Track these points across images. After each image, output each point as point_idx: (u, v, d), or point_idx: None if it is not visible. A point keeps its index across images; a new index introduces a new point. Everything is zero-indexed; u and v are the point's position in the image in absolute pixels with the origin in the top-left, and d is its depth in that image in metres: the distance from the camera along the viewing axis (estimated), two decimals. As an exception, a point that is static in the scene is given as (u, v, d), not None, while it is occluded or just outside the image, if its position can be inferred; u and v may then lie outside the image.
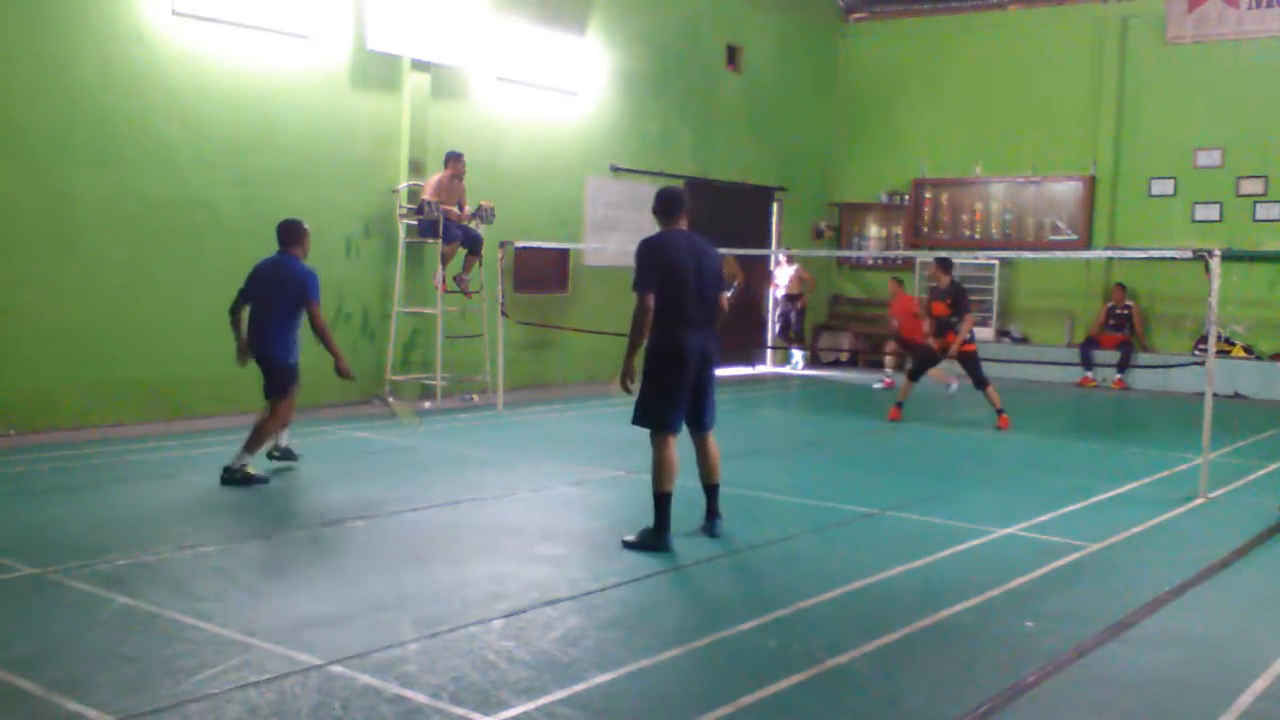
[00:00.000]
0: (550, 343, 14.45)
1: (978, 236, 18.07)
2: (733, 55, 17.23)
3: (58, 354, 9.89)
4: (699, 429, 6.73)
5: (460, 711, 4.08)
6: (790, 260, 17.43)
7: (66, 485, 7.89)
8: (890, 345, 16.30)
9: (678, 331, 6.44)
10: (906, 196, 18.63)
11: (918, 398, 12.80)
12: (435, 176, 12.20)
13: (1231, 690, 4.46)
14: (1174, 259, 13.31)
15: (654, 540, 6.41)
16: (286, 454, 8.73)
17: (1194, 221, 16.41)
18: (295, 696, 4.18)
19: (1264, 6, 15.82)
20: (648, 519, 6.52)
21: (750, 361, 17.87)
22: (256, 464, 8.09)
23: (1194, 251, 8.89)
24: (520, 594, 5.53)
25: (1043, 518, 7.49)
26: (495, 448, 9.76)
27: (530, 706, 4.13)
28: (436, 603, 5.38)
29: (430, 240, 12.27)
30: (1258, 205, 16.05)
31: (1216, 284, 8.32)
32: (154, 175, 10.45)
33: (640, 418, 6.54)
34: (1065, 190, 17.44)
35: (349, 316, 12.13)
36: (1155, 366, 14.96)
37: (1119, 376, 16.16)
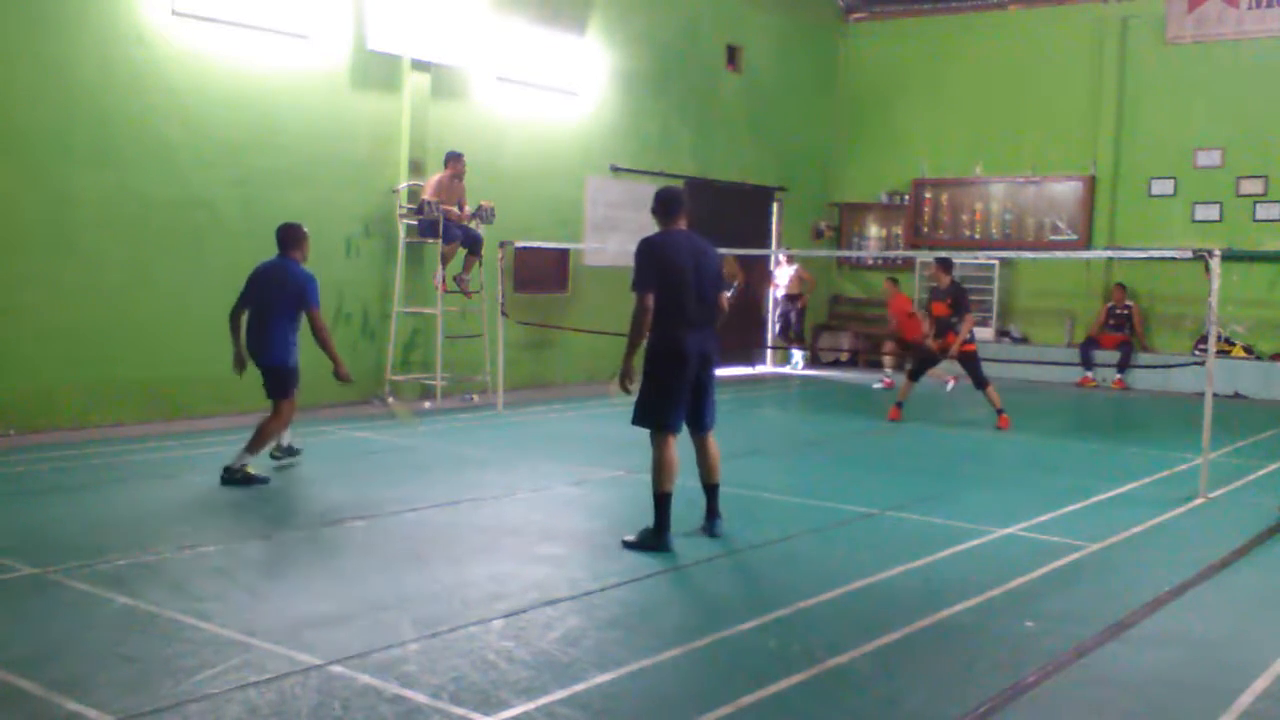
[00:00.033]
0: (550, 343, 14.45)
1: (978, 236, 18.07)
2: (733, 55, 17.23)
3: (58, 354, 9.89)
4: (699, 429, 6.73)
5: (460, 711, 4.08)
6: (790, 260, 17.43)
7: (66, 485, 7.89)
8: (889, 345, 16.29)
9: (677, 331, 6.44)
10: (906, 196, 18.63)
11: (918, 398, 12.80)
12: (435, 176, 12.20)
13: (1231, 690, 4.46)
14: (1174, 259, 13.31)
15: (654, 540, 6.41)
16: (289, 451, 8.75)
17: (1194, 221, 16.41)
18: (295, 696, 4.18)
19: (1264, 6, 15.82)
20: (648, 519, 6.52)
21: (750, 361, 17.87)
22: (257, 464, 8.10)
23: (1194, 251, 8.90)
24: (520, 594, 5.53)
25: (1043, 518, 7.49)
26: (495, 448, 9.76)
27: (530, 706, 4.13)
28: (436, 603, 5.38)
29: (430, 240, 12.27)
30: (1258, 205, 16.05)
31: (1216, 284, 8.32)
32: (154, 175, 10.45)
33: (640, 418, 6.54)
34: (1065, 190, 17.44)
35: (349, 316, 12.13)
36: (1155, 366, 14.96)
37: (1119, 376, 16.16)
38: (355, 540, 6.59)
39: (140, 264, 10.41)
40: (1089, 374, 16.28)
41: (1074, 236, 17.26)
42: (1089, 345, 16.38)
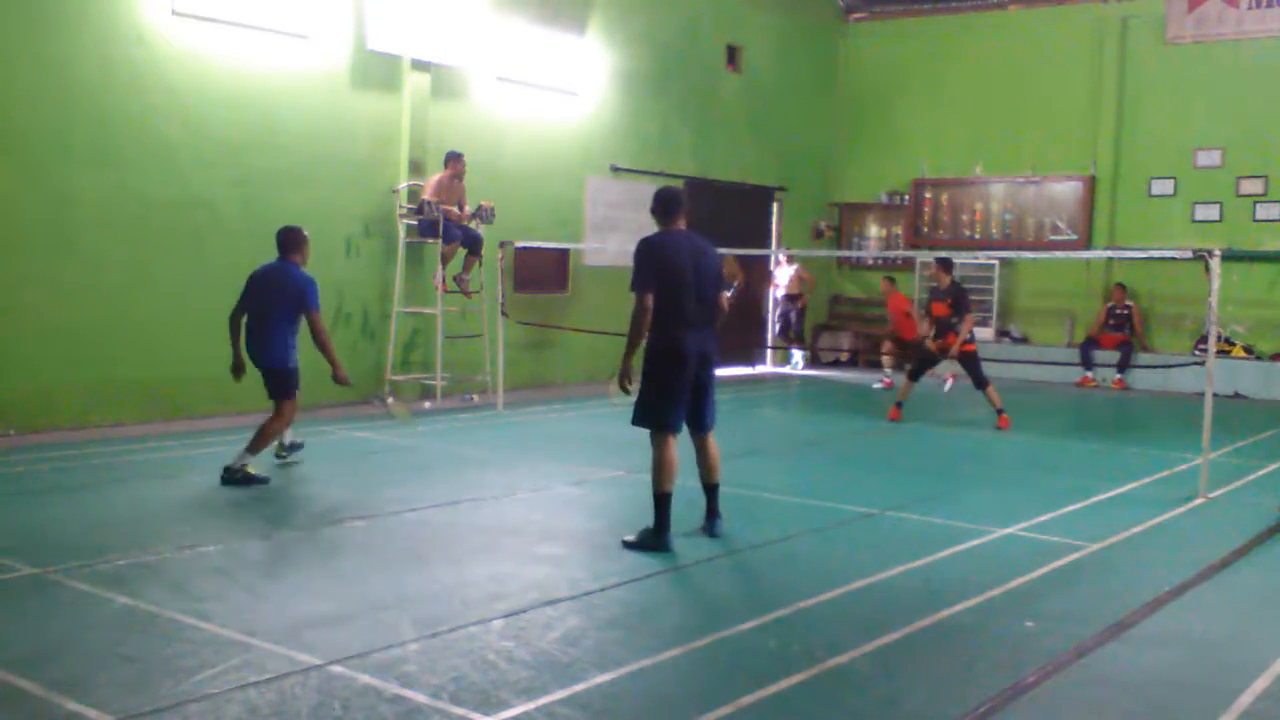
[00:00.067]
0: (550, 343, 14.45)
1: (978, 236, 18.07)
2: (733, 55, 17.23)
3: (58, 354, 9.90)
4: (699, 429, 6.73)
5: (460, 711, 4.08)
6: (790, 260, 17.43)
7: (66, 485, 7.89)
8: (888, 345, 16.30)
9: (677, 331, 6.44)
10: (906, 196, 18.63)
11: (918, 398, 12.80)
12: (435, 176, 12.20)
13: (1231, 690, 4.46)
14: (1174, 259, 13.31)
15: (654, 540, 6.41)
16: (293, 447, 8.78)
17: (1194, 221, 16.41)
18: (295, 696, 4.18)
19: (1264, 6, 15.82)
20: (648, 519, 6.52)
21: (750, 361, 17.87)
22: (258, 464, 8.10)
23: (1194, 251, 8.90)
24: (520, 594, 5.53)
25: (1043, 518, 7.49)
26: (495, 448, 9.77)
27: (530, 706, 4.13)
28: (436, 603, 5.38)
29: (430, 240, 12.27)
30: (1258, 205, 16.05)
31: (1216, 284, 8.32)
32: (154, 175, 10.45)
33: (640, 418, 6.54)
34: (1065, 190, 17.44)
35: (349, 317, 12.13)
36: (1155, 366, 14.96)
37: (1119, 376, 16.16)
38: (355, 540, 6.59)
39: (140, 264, 10.41)
40: (1089, 374, 16.28)
41: (1074, 236, 17.26)
42: (1089, 345, 16.38)
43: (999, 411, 11.69)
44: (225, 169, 10.96)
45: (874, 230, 19.38)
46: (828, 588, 5.74)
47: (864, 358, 18.40)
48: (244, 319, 8.18)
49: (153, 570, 5.80)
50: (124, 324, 10.30)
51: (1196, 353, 15.28)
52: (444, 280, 12.32)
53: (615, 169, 15.26)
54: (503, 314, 12.34)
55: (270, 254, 8.37)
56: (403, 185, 12.43)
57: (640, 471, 7.35)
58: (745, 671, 4.55)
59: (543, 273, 14.44)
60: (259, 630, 4.88)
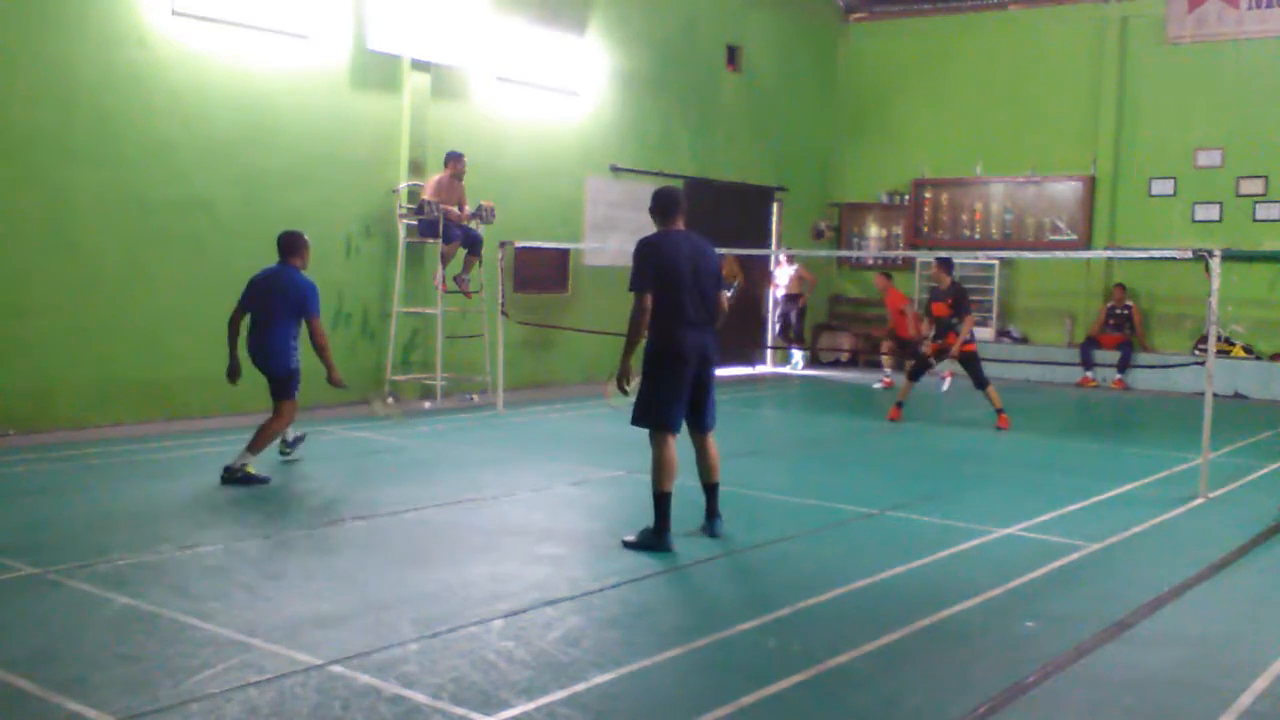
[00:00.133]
0: (550, 343, 14.44)
1: (978, 236, 18.07)
2: (733, 55, 17.23)
3: (58, 354, 9.89)
4: (699, 429, 6.73)
5: (460, 711, 4.08)
6: (790, 260, 17.43)
7: (66, 485, 7.90)
8: (888, 345, 16.30)
9: (676, 331, 6.44)
10: (906, 196, 18.63)
11: (917, 398, 12.80)
12: (435, 176, 12.20)
13: (1231, 690, 4.46)
14: (1174, 259, 13.29)
15: (654, 540, 6.41)
16: (296, 440, 8.81)
17: (1194, 221, 16.41)
18: (295, 696, 4.18)
19: (1264, 6, 15.82)
20: (648, 519, 6.52)
21: (750, 361, 17.87)
22: (260, 463, 8.10)
23: (1194, 251, 8.90)
24: (520, 594, 5.53)
25: (1043, 518, 7.49)
26: (495, 448, 9.76)
27: (530, 706, 4.13)
28: (436, 603, 5.38)
29: (430, 240, 12.27)
30: (1258, 205, 16.05)
31: (1216, 284, 8.32)
32: (154, 175, 10.45)
33: (640, 418, 6.54)
34: (1065, 190, 17.44)
35: (349, 317, 12.13)
36: (1155, 366, 14.95)
37: (1119, 376, 16.16)
38: (355, 540, 6.59)
39: (140, 264, 10.41)
40: (1089, 374, 16.28)
41: (1074, 236, 17.26)
42: (1089, 345, 16.38)
43: (999, 411, 11.69)
44: (225, 169, 10.96)
45: (874, 230, 19.38)
46: (828, 588, 5.74)
47: (864, 358, 18.40)
48: (243, 322, 8.20)
49: (153, 570, 5.80)
50: (124, 324, 10.30)
51: (1196, 353, 15.28)
52: (444, 280, 12.32)
53: (615, 169, 15.26)
54: (503, 314, 12.34)
55: (270, 254, 8.37)
56: (403, 185, 12.43)
57: (640, 471, 7.35)
58: (745, 671, 4.56)
59: (543, 273, 14.44)
60: (259, 630, 4.88)
